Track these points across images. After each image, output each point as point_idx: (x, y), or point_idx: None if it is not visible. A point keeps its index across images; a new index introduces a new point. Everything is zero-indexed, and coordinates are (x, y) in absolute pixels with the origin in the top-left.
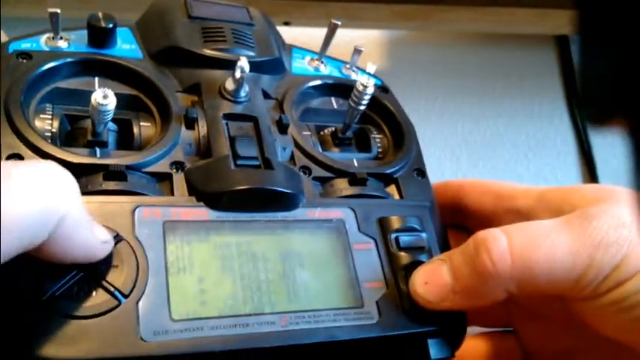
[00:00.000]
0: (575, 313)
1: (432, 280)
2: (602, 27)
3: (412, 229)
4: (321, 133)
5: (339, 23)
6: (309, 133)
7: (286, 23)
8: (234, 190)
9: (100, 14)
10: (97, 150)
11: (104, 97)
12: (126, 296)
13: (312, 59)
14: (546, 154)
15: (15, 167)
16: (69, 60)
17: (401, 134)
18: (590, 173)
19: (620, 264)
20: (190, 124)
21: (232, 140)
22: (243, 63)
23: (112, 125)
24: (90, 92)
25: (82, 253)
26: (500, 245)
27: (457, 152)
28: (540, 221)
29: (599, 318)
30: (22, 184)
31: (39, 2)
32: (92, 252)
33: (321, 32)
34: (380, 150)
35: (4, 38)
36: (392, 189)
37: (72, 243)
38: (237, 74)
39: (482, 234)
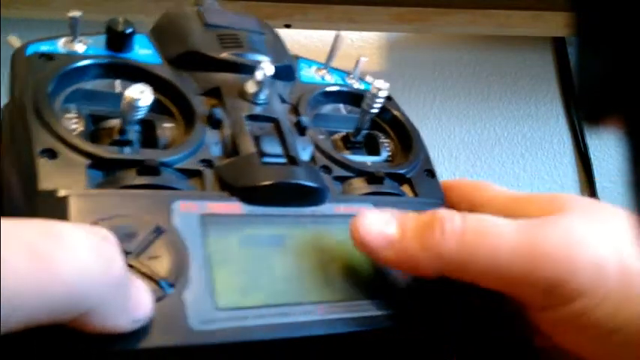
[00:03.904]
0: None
1: (379, 227)
2: (598, 28)
3: None
4: (332, 138)
5: (345, 35)
6: (322, 136)
7: (287, 26)
8: (267, 185)
9: (120, 19)
10: (126, 148)
11: (141, 92)
12: (172, 285)
13: (318, 69)
14: (543, 154)
15: (71, 231)
16: (95, 62)
17: (408, 138)
18: (587, 173)
19: (561, 282)
20: (215, 124)
21: (257, 139)
22: (266, 65)
23: (135, 126)
24: (112, 94)
25: (106, 330)
26: (454, 225)
27: (455, 153)
28: (499, 218)
29: (554, 332)
30: (69, 260)
31: (40, 4)
32: (117, 330)
33: (321, 34)
34: (389, 154)
35: (18, 43)
36: (405, 189)
37: (93, 325)
38: (260, 76)
39: (442, 213)
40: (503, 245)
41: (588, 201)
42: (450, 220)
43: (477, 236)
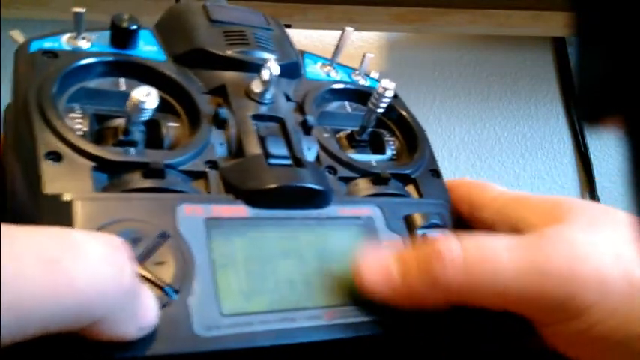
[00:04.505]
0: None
1: (379, 268)
2: (598, 28)
3: (437, 226)
4: (337, 136)
5: (352, 30)
6: (328, 135)
7: (287, 26)
8: (272, 188)
9: (125, 15)
10: (131, 149)
11: (147, 94)
12: (177, 292)
13: (323, 65)
14: (543, 154)
15: (85, 240)
16: (99, 60)
17: (414, 137)
18: (587, 173)
19: (567, 299)
20: (221, 124)
21: (262, 140)
22: (272, 64)
23: (140, 126)
24: (117, 92)
25: (113, 338)
26: (455, 257)
27: (455, 153)
28: (497, 238)
29: (562, 344)
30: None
31: (40, 4)
32: (124, 338)
33: (321, 34)
34: (394, 152)
35: (21, 39)
36: (410, 189)
37: (102, 332)
38: (266, 76)
39: (439, 243)
40: (507, 269)
41: (589, 207)
42: (449, 251)
43: (480, 264)
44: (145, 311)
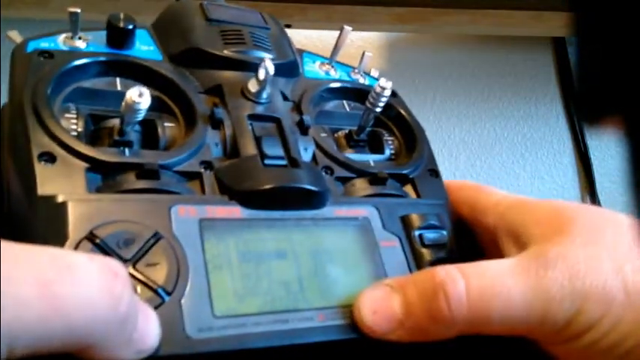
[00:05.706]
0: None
1: (382, 310)
2: (597, 28)
3: (434, 227)
4: (335, 135)
5: (350, 29)
6: (325, 134)
7: (287, 26)
8: (267, 189)
9: (121, 15)
10: (126, 150)
11: (139, 95)
12: (169, 293)
13: (322, 64)
14: (543, 154)
15: (82, 265)
16: (94, 60)
17: (413, 136)
18: (586, 173)
19: (571, 319)
20: (216, 124)
21: (258, 140)
22: (268, 64)
23: (135, 126)
24: (113, 92)
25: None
26: (458, 290)
27: (455, 153)
28: (498, 263)
29: (562, 358)
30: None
31: (40, 4)
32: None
33: (321, 34)
34: (393, 152)
35: (19, 39)
36: (408, 189)
37: (95, 356)
38: (262, 75)
39: (440, 275)
40: (512, 297)
41: (590, 215)
42: (452, 284)
43: (485, 296)
44: (144, 335)
